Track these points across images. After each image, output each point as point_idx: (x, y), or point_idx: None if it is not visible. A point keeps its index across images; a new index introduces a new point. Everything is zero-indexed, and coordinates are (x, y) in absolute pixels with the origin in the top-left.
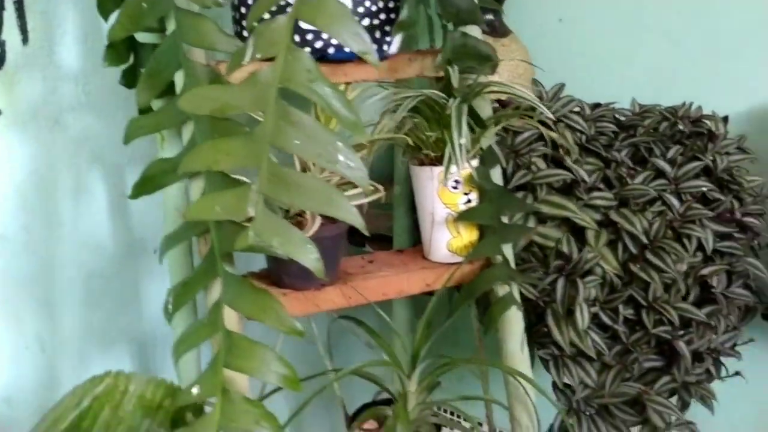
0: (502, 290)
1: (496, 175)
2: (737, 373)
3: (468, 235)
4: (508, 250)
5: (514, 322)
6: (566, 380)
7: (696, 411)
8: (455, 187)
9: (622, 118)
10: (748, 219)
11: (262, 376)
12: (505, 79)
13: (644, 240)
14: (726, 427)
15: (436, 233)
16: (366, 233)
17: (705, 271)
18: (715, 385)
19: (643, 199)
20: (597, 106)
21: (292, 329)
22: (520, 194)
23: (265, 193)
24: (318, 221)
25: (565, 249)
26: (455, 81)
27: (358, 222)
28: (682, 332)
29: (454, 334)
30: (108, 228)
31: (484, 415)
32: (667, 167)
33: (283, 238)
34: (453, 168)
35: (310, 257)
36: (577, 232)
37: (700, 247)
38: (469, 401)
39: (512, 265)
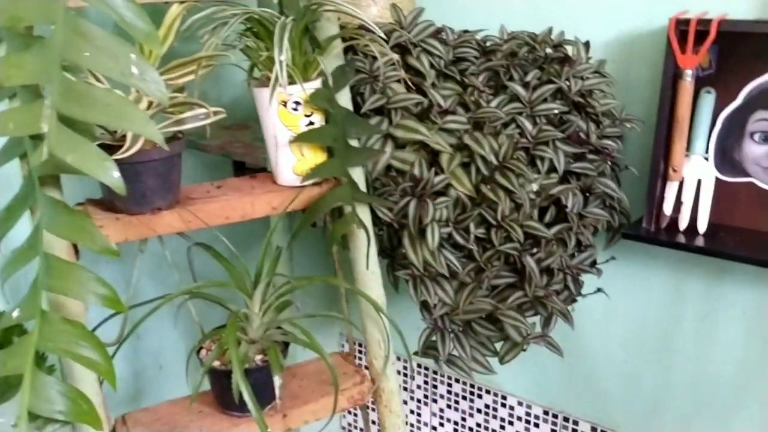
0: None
1: (344, 98)
2: (599, 290)
3: (314, 158)
4: (357, 172)
5: (360, 243)
6: (426, 299)
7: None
8: (295, 109)
9: (488, 44)
10: (604, 141)
11: (82, 297)
12: (380, 6)
13: (495, 162)
14: (598, 341)
15: (281, 156)
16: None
17: (554, 191)
18: (588, 302)
19: (497, 123)
20: (465, 32)
21: (106, 249)
22: (376, 119)
23: (57, 108)
24: (140, 142)
25: (416, 172)
26: None
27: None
28: (535, 250)
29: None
30: None
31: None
32: (521, 91)
33: (78, 154)
34: (280, 88)
35: (108, 174)
36: (437, 156)
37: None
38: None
39: (362, 187)
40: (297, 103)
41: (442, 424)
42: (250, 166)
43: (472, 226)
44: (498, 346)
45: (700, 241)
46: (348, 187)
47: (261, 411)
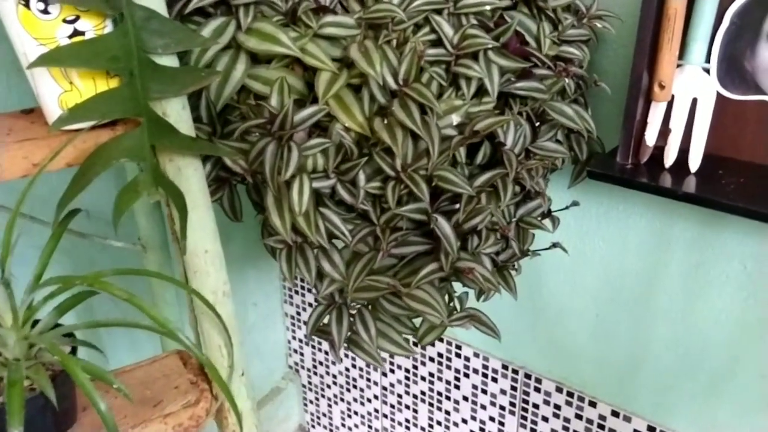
0: (176, 166)
1: None
2: (555, 245)
3: (91, 87)
4: (174, 106)
5: (189, 213)
6: (304, 275)
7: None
8: (45, 11)
9: None
10: (563, 48)
11: None
12: None
13: (393, 85)
14: (567, 290)
15: (40, 86)
16: None
17: (480, 125)
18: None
19: (403, 26)
20: None
21: None
22: (216, 22)
23: None
24: None
25: (274, 101)
26: None
27: None
28: (457, 206)
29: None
30: None
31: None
32: None
33: None
34: None
35: None
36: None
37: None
38: None
39: (185, 128)
40: (44, 1)
41: (392, 371)
42: None
43: (361, 178)
44: (417, 321)
45: (690, 185)
46: (144, 132)
47: None
